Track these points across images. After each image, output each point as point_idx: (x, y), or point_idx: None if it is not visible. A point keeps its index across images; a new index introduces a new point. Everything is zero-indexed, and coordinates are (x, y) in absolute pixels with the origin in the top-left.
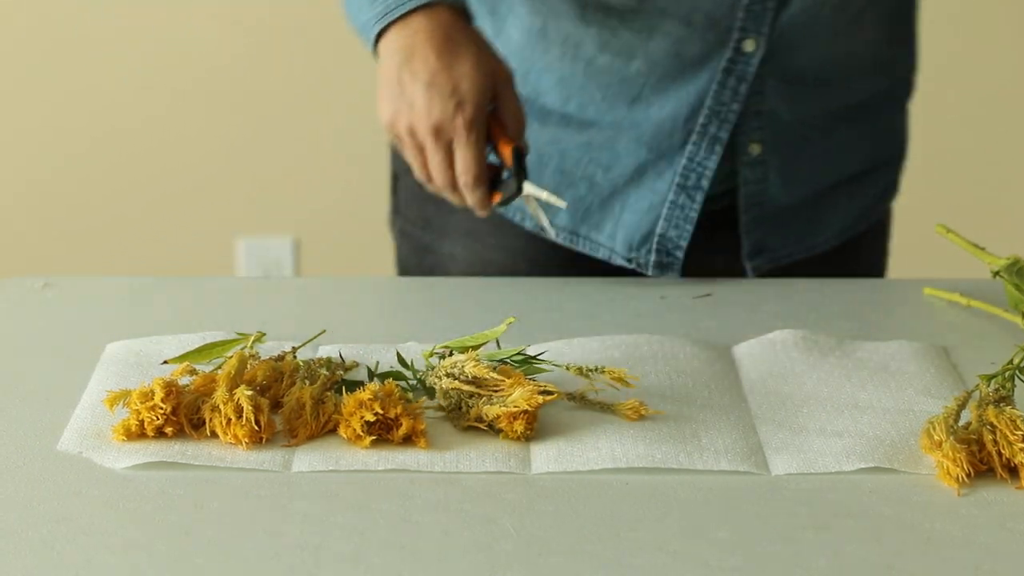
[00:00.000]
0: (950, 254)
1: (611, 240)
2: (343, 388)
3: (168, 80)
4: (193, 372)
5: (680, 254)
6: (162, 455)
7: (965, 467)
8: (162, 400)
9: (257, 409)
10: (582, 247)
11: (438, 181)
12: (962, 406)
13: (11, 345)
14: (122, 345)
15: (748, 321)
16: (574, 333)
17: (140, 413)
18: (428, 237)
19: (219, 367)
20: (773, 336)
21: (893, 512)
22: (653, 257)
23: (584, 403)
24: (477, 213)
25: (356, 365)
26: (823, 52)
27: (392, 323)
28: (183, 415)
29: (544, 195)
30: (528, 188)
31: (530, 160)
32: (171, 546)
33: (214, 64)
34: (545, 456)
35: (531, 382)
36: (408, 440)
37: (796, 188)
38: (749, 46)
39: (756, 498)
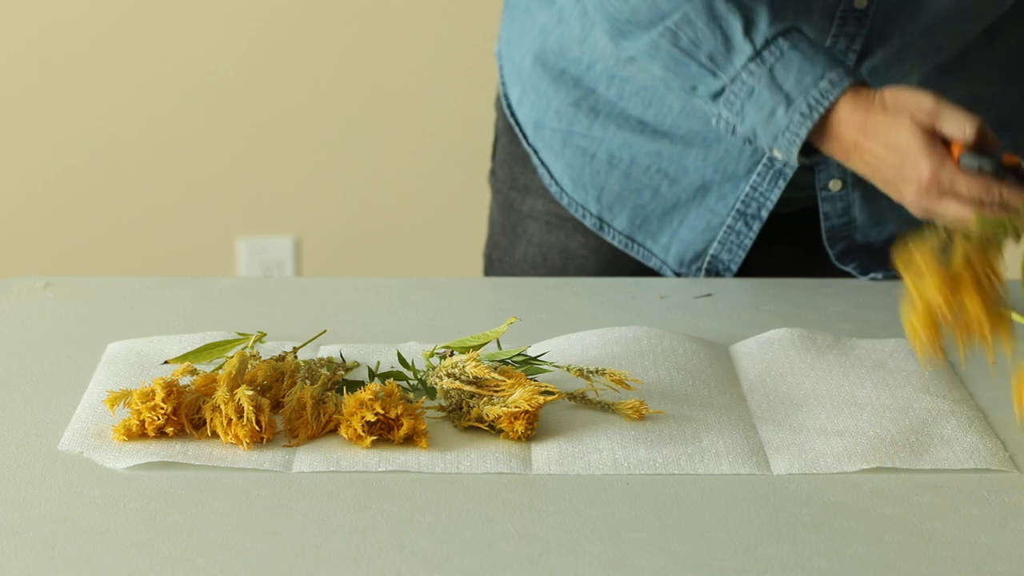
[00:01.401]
0: None
1: (665, 252)
2: (344, 388)
3: (169, 81)
4: (194, 372)
5: (729, 276)
6: (163, 455)
7: (934, 331)
8: (163, 400)
9: (258, 409)
10: (635, 253)
11: (985, 200)
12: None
13: (12, 345)
14: (123, 345)
15: (748, 321)
16: (575, 332)
17: (141, 413)
18: (515, 195)
19: (220, 367)
20: (770, 335)
21: (893, 512)
22: (703, 275)
23: (585, 403)
24: None
25: (357, 365)
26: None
27: (393, 323)
28: (184, 415)
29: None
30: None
31: (600, 160)
32: (171, 546)
33: (215, 65)
34: (546, 457)
35: (532, 382)
36: (409, 440)
37: (886, 224)
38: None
39: (756, 498)
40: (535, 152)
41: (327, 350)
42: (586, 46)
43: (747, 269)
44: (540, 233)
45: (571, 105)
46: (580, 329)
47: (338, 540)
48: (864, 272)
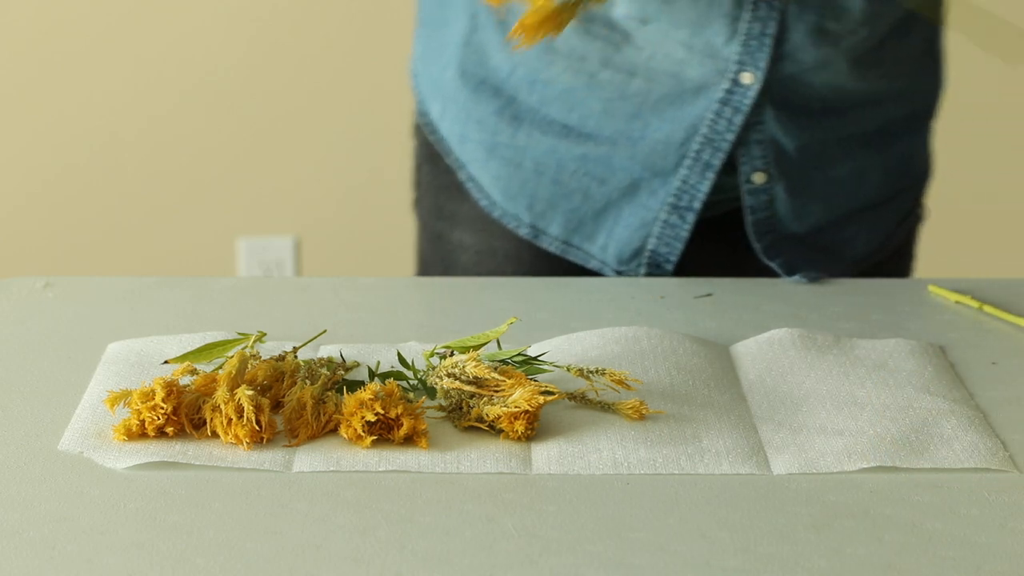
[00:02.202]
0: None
1: (603, 252)
2: (344, 388)
3: (169, 80)
4: (194, 372)
5: (670, 267)
6: (163, 455)
7: None
8: (163, 400)
9: (258, 409)
10: (573, 257)
11: None
12: None
13: (12, 345)
14: (123, 345)
15: (748, 321)
16: (575, 332)
17: (141, 413)
18: (441, 225)
19: (220, 367)
20: (771, 335)
21: (893, 512)
22: (643, 271)
23: (585, 402)
24: None
25: (357, 365)
26: (830, 85)
27: (393, 323)
28: (184, 415)
29: None
30: None
31: (527, 169)
32: (171, 546)
33: (215, 65)
34: (546, 457)
35: (532, 382)
36: (409, 440)
37: (808, 216)
38: (747, 79)
39: (756, 498)
40: (462, 167)
41: (327, 350)
42: (505, 53)
43: (684, 267)
44: (471, 264)
45: (494, 114)
46: (580, 329)
47: (338, 540)
48: (790, 272)
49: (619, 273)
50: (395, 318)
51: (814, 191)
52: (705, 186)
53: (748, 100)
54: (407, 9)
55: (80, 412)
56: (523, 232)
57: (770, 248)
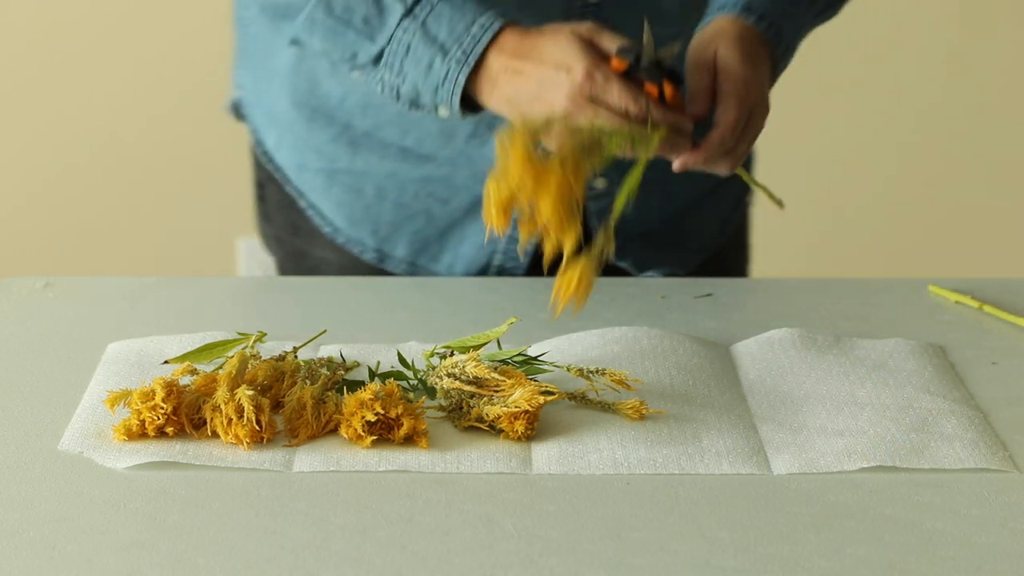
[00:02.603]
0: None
1: (449, 271)
2: (344, 388)
3: (169, 80)
4: (194, 372)
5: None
6: (163, 455)
7: (504, 215)
8: (163, 400)
9: (258, 409)
10: (421, 276)
11: (633, 111)
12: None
13: (12, 345)
14: (123, 345)
15: (748, 321)
16: (575, 332)
17: (141, 413)
18: (299, 242)
19: (220, 367)
20: (771, 335)
21: (893, 512)
22: None
23: (585, 403)
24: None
25: (357, 365)
26: None
27: (393, 323)
28: (184, 415)
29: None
30: (646, 55)
31: (368, 195)
32: (171, 546)
33: (215, 64)
34: (546, 457)
35: (532, 382)
36: (409, 440)
37: (650, 213)
38: None
39: (757, 498)
40: (301, 195)
41: (327, 350)
42: (335, 79)
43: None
44: (339, 259)
45: (331, 142)
46: (580, 329)
47: (338, 540)
48: (640, 269)
49: None
50: (395, 318)
51: (653, 187)
52: None
53: None
54: None
55: (80, 412)
56: (368, 257)
57: (619, 250)
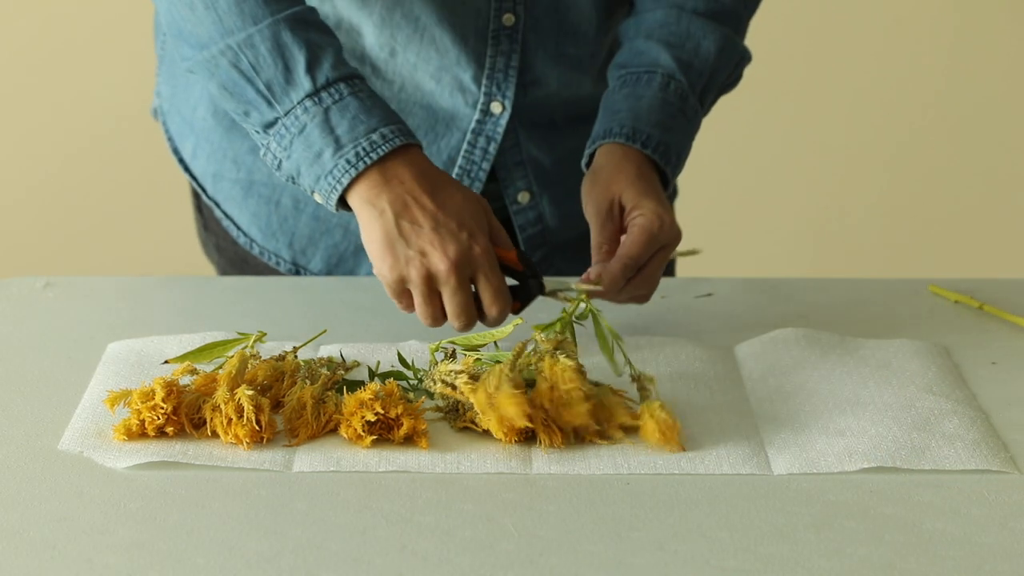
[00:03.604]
0: (951, 254)
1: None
2: (344, 388)
3: None
4: (194, 372)
5: None
6: (163, 455)
7: (522, 413)
8: (163, 400)
9: (258, 409)
10: None
11: (461, 319)
12: (519, 355)
13: (13, 345)
14: (123, 345)
15: (749, 321)
16: (575, 332)
17: (141, 413)
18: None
19: (220, 367)
20: (775, 334)
21: (893, 512)
22: None
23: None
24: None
25: (357, 365)
26: (576, 97)
27: (393, 323)
28: (184, 415)
29: (572, 283)
30: (550, 284)
31: (286, 207)
32: (171, 546)
33: None
34: (546, 457)
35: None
36: (409, 440)
37: (575, 221)
38: (496, 108)
39: (756, 498)
40: (216, 205)
41: (327, 350)
42: None
43: None
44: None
45: (249, 152)
46: (580, 329)
47: (338, 540)
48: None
49: None
50: (395, 318)
51: (577, 197)
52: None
53: (500, 127)
54: None
55: (80, 412)
56: (284, 269)
57: (544, 260)
